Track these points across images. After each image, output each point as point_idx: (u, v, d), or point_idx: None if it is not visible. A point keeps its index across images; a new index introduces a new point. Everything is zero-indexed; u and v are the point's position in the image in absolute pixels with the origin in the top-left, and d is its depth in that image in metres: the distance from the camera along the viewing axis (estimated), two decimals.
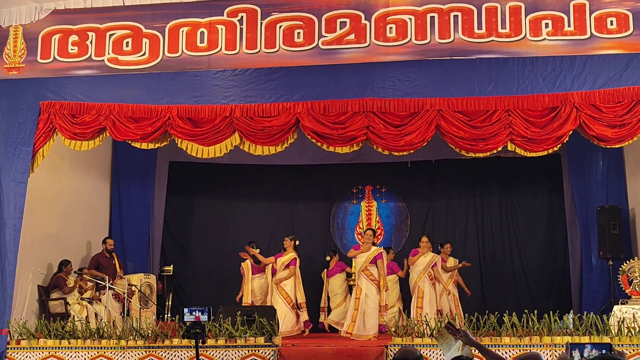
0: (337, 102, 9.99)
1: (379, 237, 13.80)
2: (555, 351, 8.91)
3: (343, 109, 9.97)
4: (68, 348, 9.82)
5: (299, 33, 10.00)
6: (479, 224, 13.81)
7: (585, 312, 9.48)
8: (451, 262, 12.06)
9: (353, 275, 11.69)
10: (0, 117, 10.54)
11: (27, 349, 9.89)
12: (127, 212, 13.66)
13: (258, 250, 12.09)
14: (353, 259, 11.70)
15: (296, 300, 11.51)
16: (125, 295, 11.47)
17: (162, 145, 10.69)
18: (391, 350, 9.32)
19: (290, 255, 11.62)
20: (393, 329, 9.73)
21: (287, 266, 11.54)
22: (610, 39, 9.55)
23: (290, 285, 11.49)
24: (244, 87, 10.19)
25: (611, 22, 9.57)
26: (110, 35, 10.41)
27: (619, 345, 8.66)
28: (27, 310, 10.95)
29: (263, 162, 12.61)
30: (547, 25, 9.65)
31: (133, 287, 12.03)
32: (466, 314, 10.46)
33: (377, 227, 13.96)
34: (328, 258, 12.81)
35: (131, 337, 9.78)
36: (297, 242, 11.87)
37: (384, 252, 11.35)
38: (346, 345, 9.94)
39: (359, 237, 13.66)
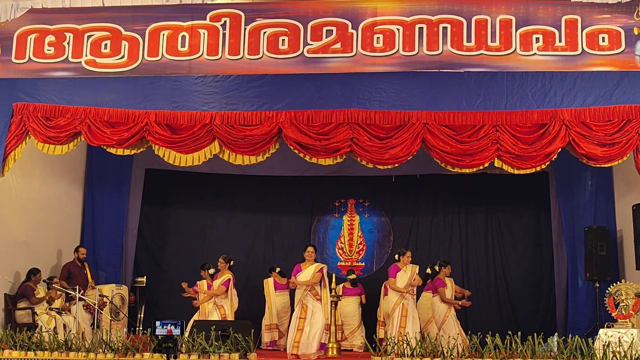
0: (321, 112, 10.00)
1: (361, 252, 13.81)
2: None
3: (327, 120, 9.98)
4: None
5: (283, 40, 10.01)
6: (463, 242, 13.82)
7: (570, 335, 9.47)
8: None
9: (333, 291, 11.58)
10: None
11: None
12: (100, 220, 13.59)
13: (213, 272, 11.93)
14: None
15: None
16: (96, 307, 11.38)
17: (139, 151, 10.64)
18: None
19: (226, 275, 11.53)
20: None
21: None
22: (602, 55, 9.64)
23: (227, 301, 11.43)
24: (225, 94, 10.18)
25: (603, 38, 9.65)
26: (89, 37, 10.37)
27: None
28: None
29: (243, 172, 12.57)
30: (537, 39, 9.72)
31: (104, 299, 11.94)
32: (449, 335, 10.45)
33: (358, 241, 13.95)
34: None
35: (101, 350, 9.66)
36: (232, 262, 11.77)
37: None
38: None
39: (340, 251, 13.66)
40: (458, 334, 10.44)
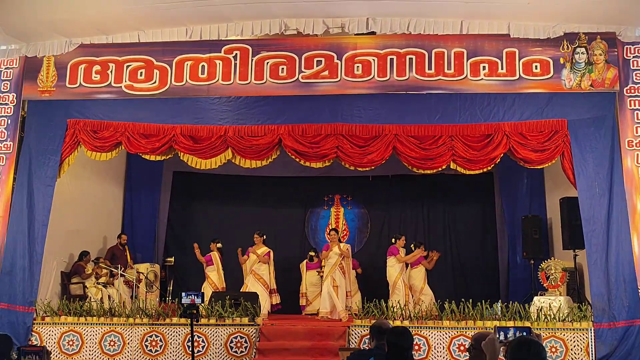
0: (313, 126, 10.02)
1: (345, 237, 13.80)
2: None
3: (318, 132, 9.99)
4: (85, 324, 9.71)
5: (282, 68, 10.00)
6: (426, 229, 13.78)
7: (510, 302, 9.54)
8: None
9: (323, 267, 11.60)
10: (34, 131, 10.42)
11: (50, 324, 9.77)
12: (137, 213, 13.60)
13: (220, 246, 12.03)
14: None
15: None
16: (134, 281, 11.37)
17: (168, 157, 10.61)
18: (352, 330, 9.31)
19: (265, 248, 11.51)
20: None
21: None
22: (535, 80, 9.64)
23: (266, 273, 11.38)
24: (237, 112, 10.17)
25: (536, 66, 9.67)
26: (127, 66, 10.33)
27: (537, 329, 8.73)
28: (51, 292, 10.82)
29: (251, 173, 12.55)
30: (484, 67, 9.72)
31: (141, 275, 11.92)
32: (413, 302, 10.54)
33: (343, 228, 13.95)
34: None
35: (138, 315, 9.69)
36: (265, 237, 11.77)
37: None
38: (315, 326, 9.91)
39: (328, 236, 13.66)
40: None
